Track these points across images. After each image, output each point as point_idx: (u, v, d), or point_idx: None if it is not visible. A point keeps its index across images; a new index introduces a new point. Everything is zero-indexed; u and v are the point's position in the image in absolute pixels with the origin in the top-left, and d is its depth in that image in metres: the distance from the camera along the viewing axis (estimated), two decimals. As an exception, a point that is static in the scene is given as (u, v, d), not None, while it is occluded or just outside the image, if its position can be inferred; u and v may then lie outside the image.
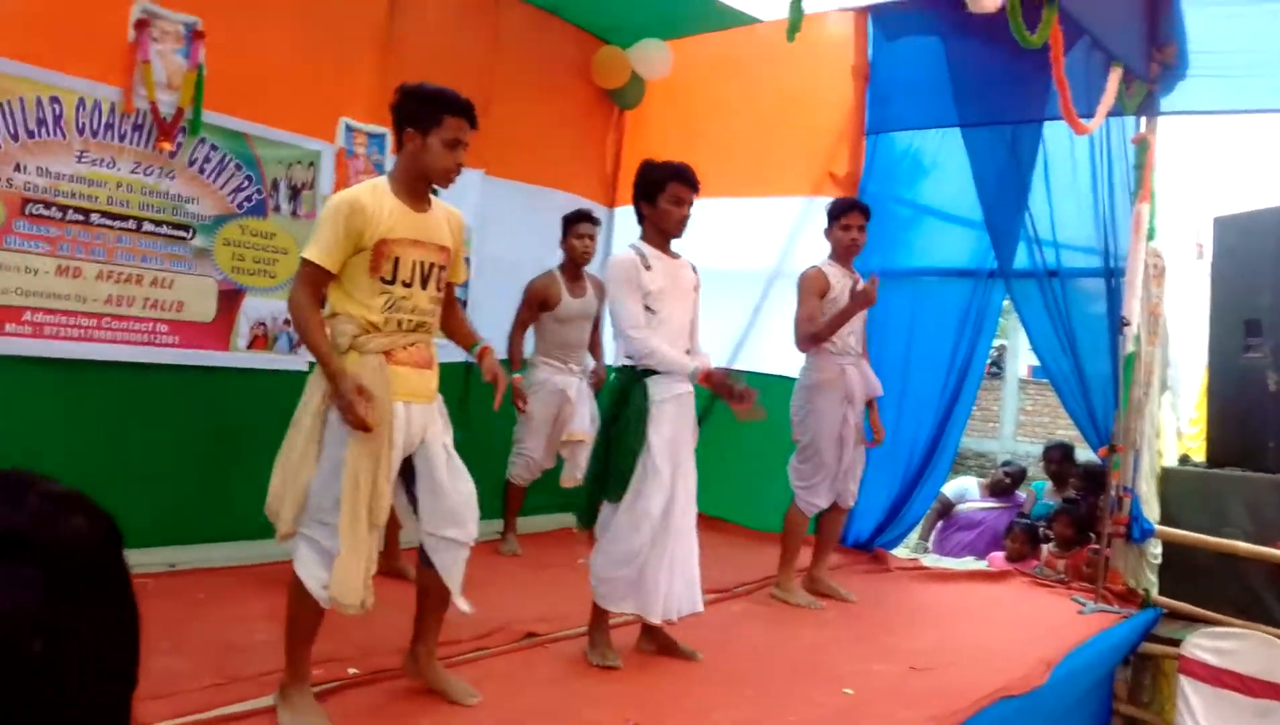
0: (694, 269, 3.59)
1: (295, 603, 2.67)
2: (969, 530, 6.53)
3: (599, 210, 6.39)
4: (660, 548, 3.36)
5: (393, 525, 3.39)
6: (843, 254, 4.48)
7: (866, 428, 4.58)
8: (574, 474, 5.11)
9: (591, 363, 5.23)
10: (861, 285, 4.37)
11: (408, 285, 2.71)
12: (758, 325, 5.84)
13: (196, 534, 4.32)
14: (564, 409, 5.00)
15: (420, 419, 2.76)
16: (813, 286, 4.38)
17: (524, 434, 5.01)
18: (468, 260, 4.87)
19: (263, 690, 2.80)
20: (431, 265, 2.78)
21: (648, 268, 3.37)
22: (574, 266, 5.00)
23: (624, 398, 3.35)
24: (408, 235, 2.71)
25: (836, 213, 4.50)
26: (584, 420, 5.05)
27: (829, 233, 4.52)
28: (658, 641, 3.54)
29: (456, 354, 3.47)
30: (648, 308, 3.35)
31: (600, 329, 5.17)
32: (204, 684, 2.82)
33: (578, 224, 4.99)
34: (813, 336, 4.35)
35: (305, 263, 2.66)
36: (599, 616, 3.45)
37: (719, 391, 3.41)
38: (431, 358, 2.84)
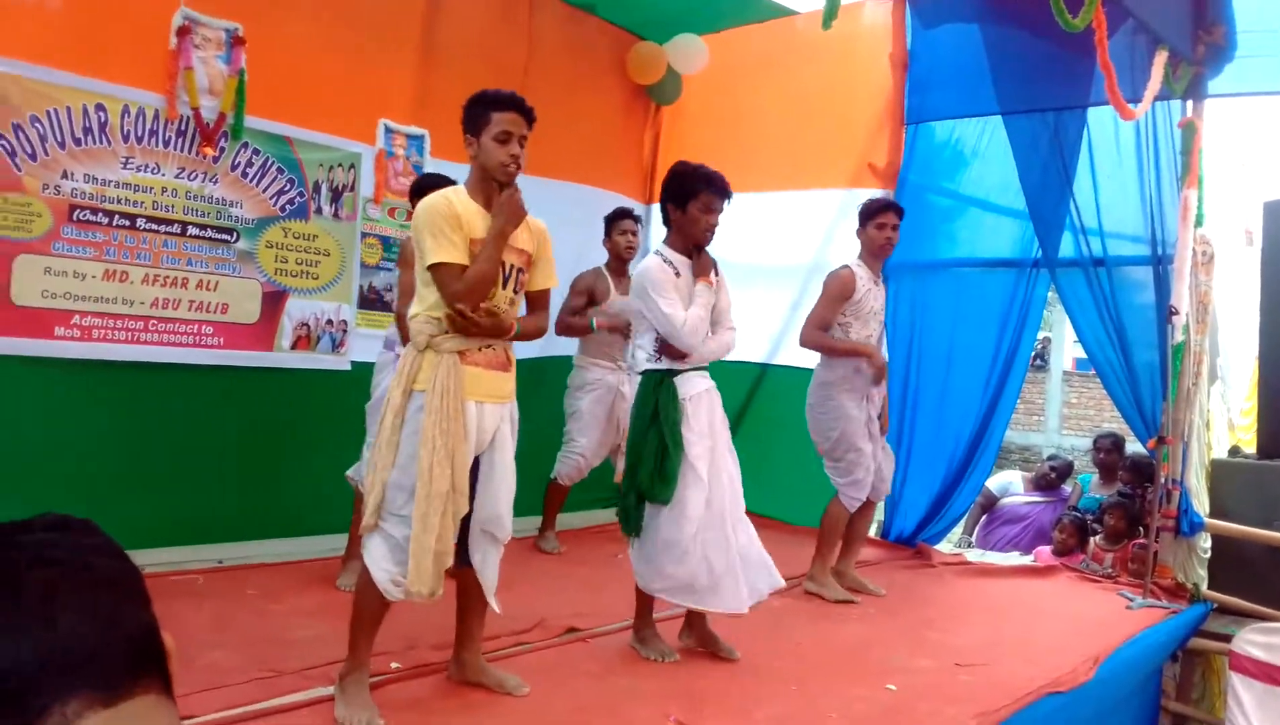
0: (715, 266, 3.55)
1: (361, 594, 2.74)
2: (1013, 524, 6.44)
3: (638, 207, 6.40)
4: (722, 542, 3.36)
5: None
6: (876, 253, 4.40)
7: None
8: None
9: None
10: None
11: None
12: (796, 320, 5.80)
13: (244, 531, 4.40)
14: (617, 405, 5.00)
15: (492, 419, 2.83)
16: (839, 291, 4.31)
17: (576, 433, 5.02)
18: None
19: (309, 684, 2.85)
20: (511, 266, 2.84)
21: (677, 276, 3.39)
22: (619, 263, 5.01)
23: (656, 401, 3.35)
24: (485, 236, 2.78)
25: (872, 212, 4.41)
26: None
27: (861, 232, 4.43)
28: (698, 635, 3.54)
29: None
30: None
31: None
32: (251, 677, 2.87)
33: (620, 221, 5.02)
34: (815, 345, 4.34)
35: (438, 269, 2.70)
36: (644, 611, 3.47)
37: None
38: (507, 360, 2.89)
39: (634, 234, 5.02)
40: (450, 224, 2.71)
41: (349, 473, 4.01)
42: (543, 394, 5.21)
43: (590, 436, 4.99)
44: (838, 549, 4.52)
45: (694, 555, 3.31)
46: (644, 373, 3.43)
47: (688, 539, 3.30)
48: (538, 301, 3.03)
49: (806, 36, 5.73)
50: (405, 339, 4.45)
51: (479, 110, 2.80)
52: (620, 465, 5.10)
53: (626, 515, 3.41)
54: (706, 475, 3.35)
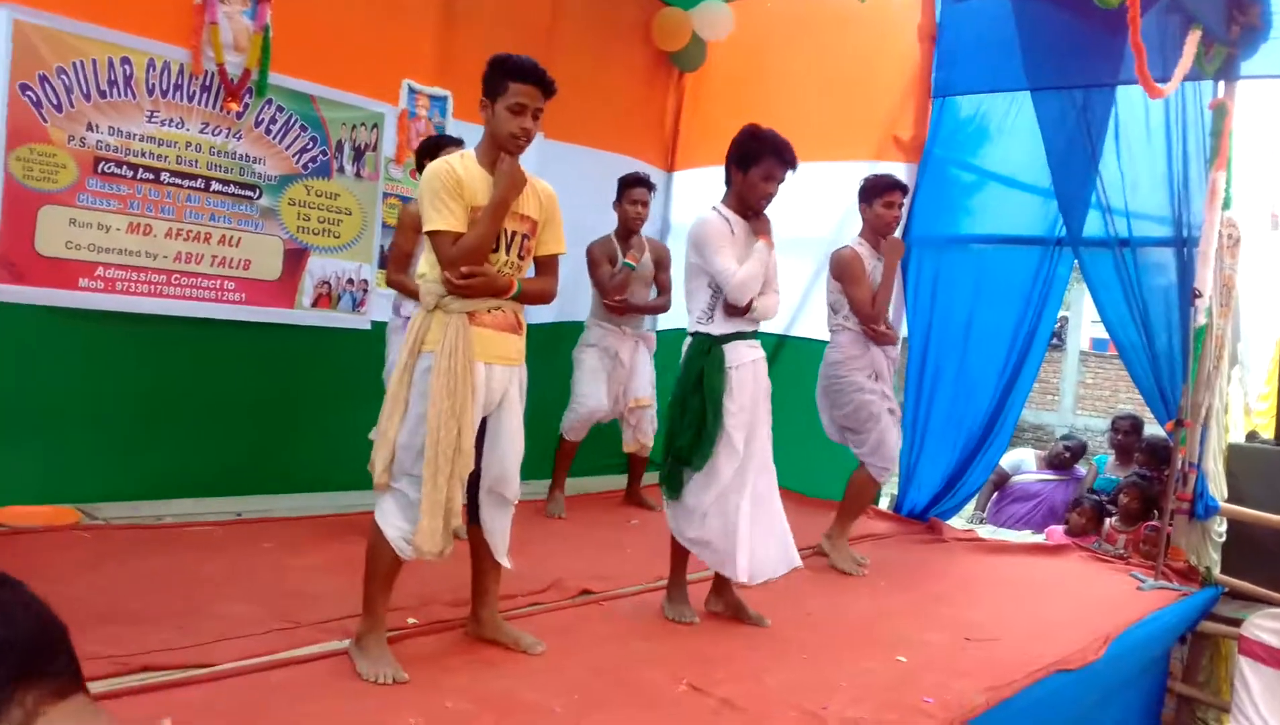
0: (769, 231, 3.51)
1: (374, 551, 2.75)
2: (1024, 502, 6.43)
3: (658, 174, 6.37)
4: (745, 511, 3.39)
5: None
6: (882, 231, 4.39)
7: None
8: (637, 438, 5.14)
9: (646, 331, 5.23)
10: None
11: (492, 250, 2.77)
12: (816, 291, 5.78)
13: (262, 485, 4.45)
14: (616, 370, 5.03)
15: (501, 381, 2.82)
16: (859, 267, 4.32)
17: (576, 386, 5.02)
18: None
19: (326, 636, 2.89)
20: (514, 233, 2.83)
21: (732, 232, 3.39)
22: (625, 231, 4.99)
23: (701, 366, 3.36)
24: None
25: (880, 189, 4.38)
26: (645, 385, 5.09)
27: (867, 209, 4.42)
28: (726, 602, 3.57)
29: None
30: None
31: (669, 291, 5.12)
32: (269, 628, 2.90)
33: (631, 188, 4.96)
34: (878, 313, 4.33)
35: (433, 236, 2.71)
36: (677, 573, 3.51)
37: None
38: (518, 323, 2.89)
39: (644, 204, 4.96)
40: (450, 192, 2.70)
41: (371, 435, 4.02)
42: (558, 358, 5.22)
43: (591, 389, 4.98)
44: (857, 517, 4.55)
45: (714, 519, 3.35)
46: (693, 335, 3.43)
47: (709, 503, 3.35)
48: (546, 266, 3.01)
49: (833, 5, 5.68)
50: (410, 295, 4.40)
51: (498, 77, 2.76)
52: (628, 435, 5.15)
53: (668, 477, 3.43)
54: (742, 447, 3.37)
